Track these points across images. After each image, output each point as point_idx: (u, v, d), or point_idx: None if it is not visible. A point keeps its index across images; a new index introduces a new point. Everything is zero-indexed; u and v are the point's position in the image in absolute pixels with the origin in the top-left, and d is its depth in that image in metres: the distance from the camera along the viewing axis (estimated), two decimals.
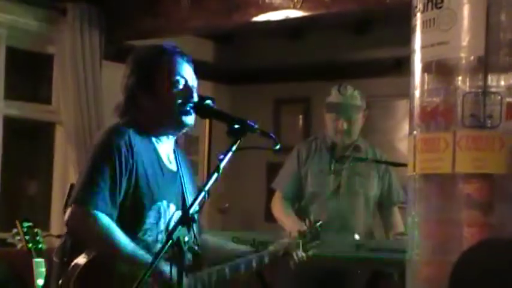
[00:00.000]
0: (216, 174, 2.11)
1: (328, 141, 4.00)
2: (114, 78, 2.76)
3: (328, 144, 3.99)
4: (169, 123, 2.46)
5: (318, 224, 2.88)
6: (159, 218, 2.40)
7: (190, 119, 2.45)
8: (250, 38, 6.40)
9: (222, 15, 4.75)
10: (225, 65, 6.60)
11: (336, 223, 3.77)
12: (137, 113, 2.46)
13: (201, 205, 2.07)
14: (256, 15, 4.59)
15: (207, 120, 6.22)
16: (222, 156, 2.16)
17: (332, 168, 3.89)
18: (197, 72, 2.53)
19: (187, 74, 2.48)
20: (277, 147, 2.29)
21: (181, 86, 2.44)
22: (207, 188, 2.07)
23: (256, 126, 2.29)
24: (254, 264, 2.59)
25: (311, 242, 2.83)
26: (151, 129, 2.46)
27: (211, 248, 2.64)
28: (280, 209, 4.01)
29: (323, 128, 4.11)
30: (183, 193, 2.49)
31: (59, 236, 4.33)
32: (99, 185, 2.28)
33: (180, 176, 2.52)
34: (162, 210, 2.40)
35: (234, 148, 2.21)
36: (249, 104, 6.38)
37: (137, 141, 2.38)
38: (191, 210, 2.00)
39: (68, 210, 2.30)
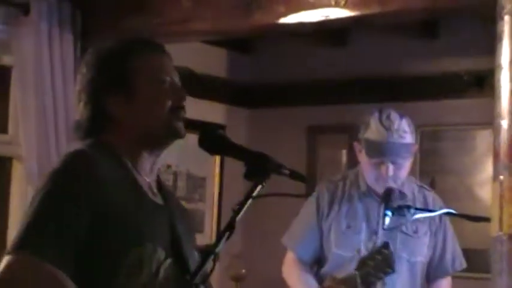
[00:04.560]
0: (229, 231, 2.11)
1: (362, 186, 3.93)
2: None
3: (363, 190, 3.92)
4: (157, 133, 2.46)
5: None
6: (141, 267, 2.35)
7: (182, 127, 2.47)
8: (276, 46, 6.43)
9: (238, 15, 4.78)
10: (243, 81, 6.63)
11: None
12: (109, 127, 2.46)
13: (207, 274, 2.05)
14: (285, 14, 4.61)
15: (217, 157, 6.28)
16: (238, 207, 2.16)
17: (381, 225, 3.85)
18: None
19: (171, 70, 2.52)
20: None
21: (167, 85, 2.48)
22: (218, 250, 2.07)
23: (284, 165, 2.27)
24: None
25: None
26: (128, 147, 2.46)
27: None
28: (294, 276, 3.96)
29: (356, 165, 4.03)
30: (174, 235, 2.48)
31: None
32: (48, 227, 2.24)
33: (169, 211, 2.50)
34: (145, 257, 2.35)
35: (253, 195, 2.20)
36: (275, 133, 6.39)
37: (105, 168, 2.37)
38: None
39: (3, 261, 2.22)
